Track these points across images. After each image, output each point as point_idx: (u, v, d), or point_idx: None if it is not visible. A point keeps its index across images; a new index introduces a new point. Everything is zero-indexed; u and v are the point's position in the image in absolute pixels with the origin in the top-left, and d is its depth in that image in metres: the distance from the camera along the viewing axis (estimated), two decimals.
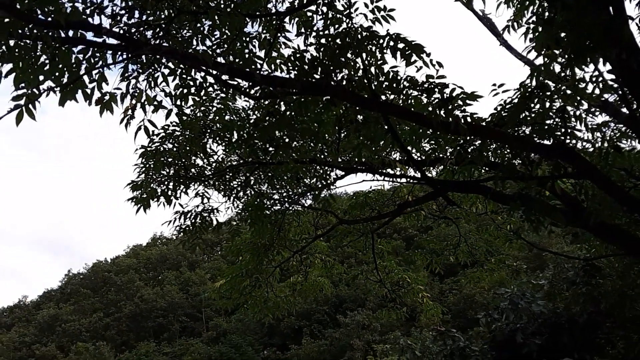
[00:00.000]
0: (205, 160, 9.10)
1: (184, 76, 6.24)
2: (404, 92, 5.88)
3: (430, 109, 5.81)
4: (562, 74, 5.99)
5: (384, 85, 6.02)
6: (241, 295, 13.06)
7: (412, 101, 5.97)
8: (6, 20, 5.24)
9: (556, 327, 12.26)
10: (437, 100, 5.68)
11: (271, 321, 16.29)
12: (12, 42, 5.48)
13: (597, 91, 6.17)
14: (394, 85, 5.78)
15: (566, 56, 5.50)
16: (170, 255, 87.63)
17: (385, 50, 5.51)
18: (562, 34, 5.34)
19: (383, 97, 6.17)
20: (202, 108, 8.07)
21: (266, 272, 12.94)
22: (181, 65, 6.20)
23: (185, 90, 6.29)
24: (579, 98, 6.17)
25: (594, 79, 6.07)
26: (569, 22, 4.95)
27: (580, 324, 11.96)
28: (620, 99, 6.92)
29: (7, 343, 74.17)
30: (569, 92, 6.02)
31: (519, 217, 7.02)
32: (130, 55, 5.44)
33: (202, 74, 6.38)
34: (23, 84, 5.51)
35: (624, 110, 7.33)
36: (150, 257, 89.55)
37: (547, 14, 5.89)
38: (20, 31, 5.40)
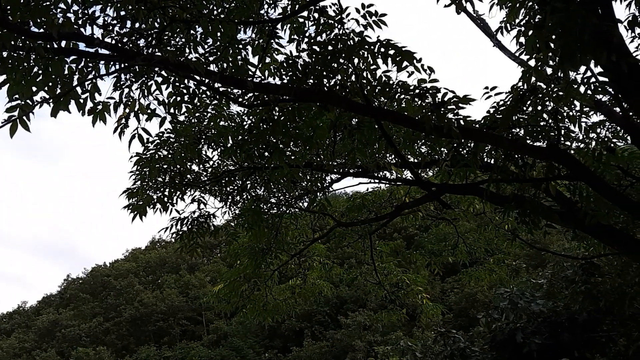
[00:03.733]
0: (200, 166, 9.12)
1: (177, 84, 6.26)
2: (397, 96, 5.90)
3: (423, 112, 5.84)
4: (554, 76, 6.02)
5: (376, 90, 6.04)
6: (240, 299, 13.11)
7: (405, 105, 5.98)
8: None
9: (556, 326, 12.26)
10: (429, 104, 5.70)
11: (272, 324, 16.32)
12: (4, 54, 5.49)
13: (589, 92, 6.20)
14: (387, 90, 5.80)
15: (557, 58, 5.52)
16: (170, 258, 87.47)
17: (377, 56, 5.52)
18: (553, 37, 5.36)
19: (376, 102, 6.19)
20: (197, 115, 8.08)
21: (264, 276, 12.99)
22: (174, 74, 6.22)
23: (178, 98, 6.31)
24: (571, 99, 6.19)
25: (585, 80, 6.10)
26: (558, 25, 4.96)
27: (580, 323, 11.96)
28: (613, 99, 6.95)
29: (7, 349, 74.06)
30: (561, 93, 6.05)
31: (514, 218, 7.04)
32: (122, 65, 5.45)
33: (195, 82, 6.41)
34: (17, 95, 5.53)
35: (617, 109, 7.37)
36: (149, 261, 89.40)
37: (537, 17, 5.91)
38: (12, 43, 5.41)
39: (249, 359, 61.35)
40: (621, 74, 5.23)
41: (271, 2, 6.84)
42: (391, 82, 5.83)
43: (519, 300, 13.05)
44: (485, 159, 6.99)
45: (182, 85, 6.28)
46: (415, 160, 7.78)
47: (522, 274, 18.09)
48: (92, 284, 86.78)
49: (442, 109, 5.56)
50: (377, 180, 8.31)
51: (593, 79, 6.29)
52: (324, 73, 6.03)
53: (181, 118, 7.42)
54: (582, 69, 6.04)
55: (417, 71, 5.41)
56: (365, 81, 5.89)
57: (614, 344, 12.32)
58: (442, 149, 7.29)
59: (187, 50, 6.31)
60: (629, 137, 7.52)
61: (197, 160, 8.70)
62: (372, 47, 5.38)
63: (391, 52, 5.25)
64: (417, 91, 5.60)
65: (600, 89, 6.21)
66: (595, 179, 6.08)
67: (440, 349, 13.91)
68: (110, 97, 5.75)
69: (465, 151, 6.77)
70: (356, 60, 5.64)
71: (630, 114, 6.47)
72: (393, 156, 8.19)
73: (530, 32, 5.48)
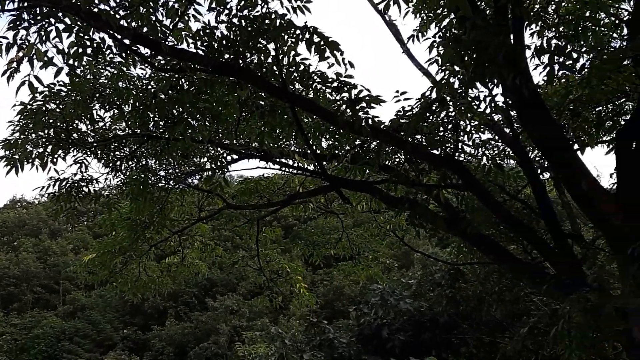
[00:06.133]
0: (89, 127, 8.50)
1: (82, 35, 5.75)
2: (314, 86, 5.88)
3: (336, 105, 5.89)
4: (460, 90, 6.33)
5: (294, 76, 5.98)
6: (111, 273, 12.47)
7: (321, 96, 5.98)
8: None
9: (419, 325, 13.01)
10: (344, 99, 5.75)
11: (135, 300, 15.68)
12: None
13: (487, 110, 6.60)
14: (305, 78, 5.76)
15: (467, 74, 5.80)
16: (30, 220, 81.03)
17: (300, 42, 5.46)
18: (468, 52, 5.63)
19: (292, 88, 6.13)
20: (95, 70, 7.49)
21: (141, 251, 12.44)
22: (79, 23, 5.71)
23: (80, 50, 5.80)
24: (470, 115, 6.57)
25: (487, 99, 6.49)
26: (476, 41, 5.21)
27: (441, 324, 12.79)
28: (506, 120, 7.46)
29: None
30: (463, 108, 6.38)
31: (405, 220, 7.34)
32: (24, 4, 4.90)
33: (102, 34, 5.94)
34: None
35: (507, 130, 7.93)
36: (6, 221, 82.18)
37: (454, 31, 6.19)
38: None
39: (106, 334, 58.67)
40: (522, 97, 5.61)
41: None
42: (310, 70, 5.79)
43: (389, 298, 13.69)
44: (385, 160, 7.21)
45: (86, 37, 5.78)
46: (318, 152, 7.83)
47: (393, 273, 19.05)
48: None
49: (356, 106, 5.64)
50: (279, 167, 8.26)
51: (491, 98, 6.72)
52: (242, 49, 5.85)
53: (78, 71, 6.83)
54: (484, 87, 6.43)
55: (338, 64, 5.43)
56: (284, 65, 5.80)
57: (467, 346, 13.33)
58: (346, 145, 7.39)
59: (97, 1, 5.82)
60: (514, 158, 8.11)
61: (87, 120, 8.08)
62: (297, 31, 5.30)
63: (316, 39, 5.21)
64: (335, 84, 5.62)
65: (498, 109, 6.64)
66: (484, 191, 6.50)
67: (308, 338, 14.22)
68: (3, 37, 5.16)
69: (367, 149, 6.91)
70: (279, 43, 5.52)
71: (521, 136, 6.99)
72: (295, 145, 8.17)
73: (443, 46, 5.73)
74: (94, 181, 9.17)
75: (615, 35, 7.55)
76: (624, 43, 7.07)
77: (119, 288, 13.03)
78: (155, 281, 13.90)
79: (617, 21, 7.13)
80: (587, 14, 6.44)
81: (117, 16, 5.91)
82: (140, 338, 58.64)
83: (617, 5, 6.94)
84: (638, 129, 5.56)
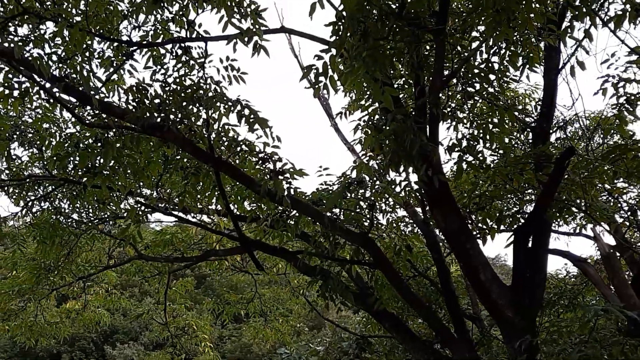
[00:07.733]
0: (4, 164, 8.23)
1: (10, 76, 5.69)
2: (240, 153, 6.06)
3: (261, 174, 6.09)
4: (379, 172, 6.72)
5: (222, 140, 6.14)
6: (5, 314, 11.76)
7: (247, 164, 6.16)
8: None
9: None
10: (269, 169, 5.95)
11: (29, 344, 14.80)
12: None
13: (402, 194, 7.01)
14: (232, 145, 5.94)
15: (386, 160, 6.19)
16: None
17: (231, 112, 5.65)
18: (387, 141, 6.03)
19: (218, 151, 6.27)
20: (19, 109, 7.35)
21: (41, 294, 11.85)
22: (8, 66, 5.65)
23: (7, 91, 5.72)
24: (387, 196, 6.96)
25: (402, 183, 6.90)
26: (394, 133, 5.60)
27: None
28: (419, 204, 7.92)
29: None
30: (380, 190, 6.76)
31: (316, 291, 7.51)
32: None
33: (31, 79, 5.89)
34: None
35: (420, 211, 8.39)
36: None
37: (376, 118, 6.61)
38: None
39: None
40: (432, 188, 6.01)
41: (134, 22, 6.64)
42: (238, 139, 5.99)
43: None
44: (303, 229, 7.42)
45: (14, 79, 5.71)
46: (239, 213, 7.94)
47: (303, 336, 18.99)
48: None
49: (279, 177, 5.85)
50: (197, 225, 8.26)
51: (406, 183, 7.16)
52: (174, 110, 5.97)
53: None
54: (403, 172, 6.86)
55: (266, 136, 5.65)
56: (213, 130, 5.96)
57: None
58: (267, 210, 7.54)
59: (31, 45, 5.80)
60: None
61: (3, 157, 7.84)
62: (229, 103, 5.51)
63: (247, 112, 5.42)
64: (261, 155, 5.83)
65: (412, 193, 7.07)
66: (392, 270, 6.80)
67: None
68: None
69: (287, 217, 7.11)
70: (211, 111, 5.69)
71: (431, 222, 7.43)
72: (216, 204, 8.24)
73: (370, 132, 6.12)
74: (2, 221, 8.84)
75: (522, 137, 8.32)
76: (528, 147, 7.82)
77: (12, 332, 12.27)
78: (53, 326, 13.28)
79: (524, 125, 7.88)
80: (498, 116, 7.08)
81: (50, 62, 5.91)
82: None
83: (523, 114, 7.70)
84: (533, 229, 6.09)
